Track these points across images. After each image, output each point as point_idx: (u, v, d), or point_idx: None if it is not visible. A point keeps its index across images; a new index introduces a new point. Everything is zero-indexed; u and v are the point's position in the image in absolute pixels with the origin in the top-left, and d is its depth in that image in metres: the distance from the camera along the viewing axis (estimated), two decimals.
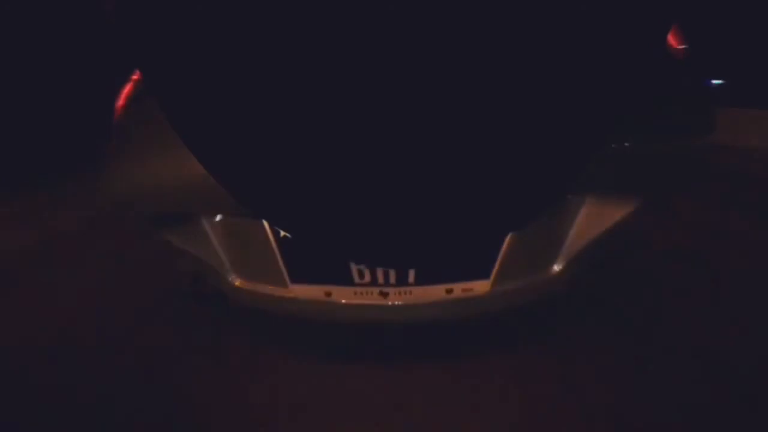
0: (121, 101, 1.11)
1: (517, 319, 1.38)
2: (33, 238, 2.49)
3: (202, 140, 0.61)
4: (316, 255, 1.05)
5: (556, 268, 1.09)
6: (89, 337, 1.47)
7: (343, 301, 1.07)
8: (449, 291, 1.06)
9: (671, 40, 1.07)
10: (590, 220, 1.07)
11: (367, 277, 1.05)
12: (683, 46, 1.06)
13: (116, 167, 1.08)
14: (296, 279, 1.08)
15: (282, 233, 1.03)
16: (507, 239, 1.02)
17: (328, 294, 1.07)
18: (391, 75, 0.49)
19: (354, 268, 1.04)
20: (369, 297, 1.06)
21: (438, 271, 1.06)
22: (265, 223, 1.03)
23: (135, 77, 1.14)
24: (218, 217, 1.09)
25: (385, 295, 1.05)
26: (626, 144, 0.95)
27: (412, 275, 1.04)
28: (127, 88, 1.13)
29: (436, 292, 1.06)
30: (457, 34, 0.47)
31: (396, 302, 1.05)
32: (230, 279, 1.13)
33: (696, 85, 1.07)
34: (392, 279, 1.04)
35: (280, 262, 1.06)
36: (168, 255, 1.23)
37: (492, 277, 1.05)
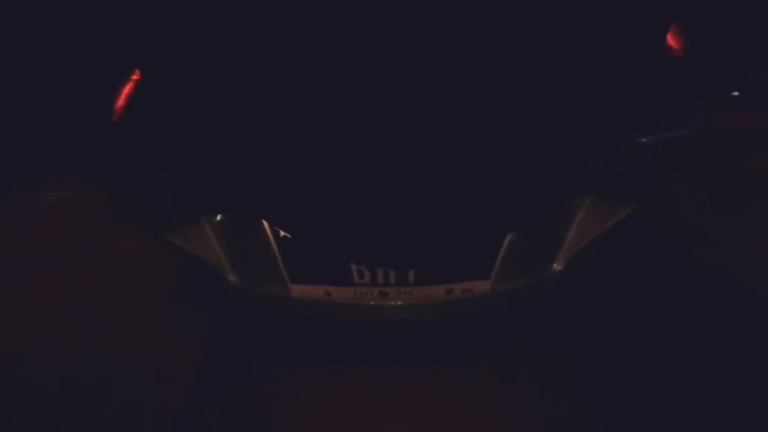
0: (121, 101, 1.11)
1: (517, 319, 1.38)
2: (33, 239, 2.48)
3: (202, 140, 0.61)
4: (316, 255, 1.05)
5: (556, 268, 1.09)
6: (89, 338, 1.47)
7: (343, 301, 1.07)
8: (449, 291, 1.06)
9: (670, 39, 1.07)
10: (590, 220, 1.07)
11: (367, 278, 1.05)
12: (682, 45, 1.06)
13: (116, 168, 1.08)
14: (296, 279, 1.08)
15: (282, 233, 1.03)
16: (507, 239, 1.02)
17: (328, 294, 1.07)
18: (392, 77, 0.49)
19: (354, 268, 1.04)
20: (369, 297, 1.06)
21: (438, 272, 1.06)
22: (265, 223, 1.03)
23: (135, 77, 1.14)
24: (218, 217, 1.09)
25: (385, 295, 1.05)
26: (626, 143, 0.95)
27: (412, 275, 1.04)
28: (127, 88, 1.13)
29: (436, 292, 1.06)
30: (457, 37, 0.47)
31: (396, 302, 1.05)
32: (230, 279, 1.13)
33: (694, 83, 1.07)
34: (392, 279, 1.04)
35: (280, 262, 1.06)
36: (168, 255, 1.23)
37: (492, 277, 1.05)
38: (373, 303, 1.06)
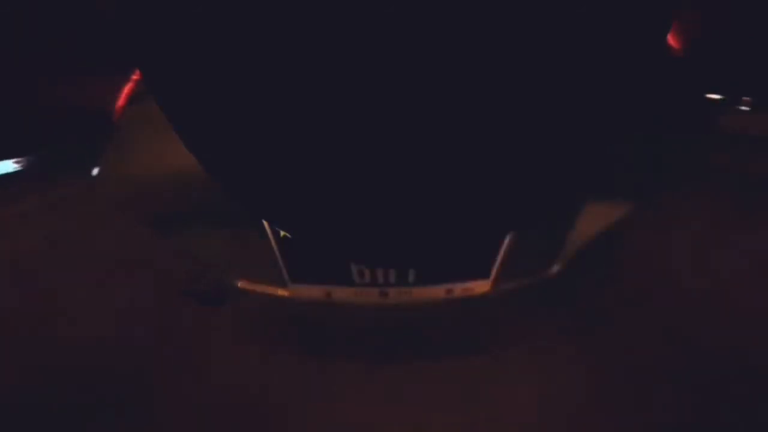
0: (121, 101, 1.11)
1: (517, 319, 1.38)
2: (33, 238, 2.49)
3: (202, 140, 0.61)
4: (316, 255, 1.05)
5: (556, 268, 1.09)
6: (88, 338, 1.47)
7: (343, 301, 1.07)
8: (449, 291, 1.06)
9: (671, 39, 1.07)
10: (590, 220, 1.07)
11: (367, 277, 1.05)
12: (682, 45, 1.06)
13: (116, 167, 1.08)
14: (296, 279, 1.08)
15: (282, 233, 1.03)
16: (507, 239, 1.02)
17: (328, 294, 1.07)
18: (391, 75, 0.49)
19: (354, 268, 1.04)
20: (369, 297, 1.06)
21: (438, 271, 1.06)
22: (265, 223, 1.03)
23: (135, 77, 1.14)
24: (218, 217, 1.09)
25: (385, 295, 1.05)
26: (626, 144, 0.95)
27: (412, 275, 1.04)
28: (127, 88, 1.13)
29: (436, 292, 1.06)
30: (458, 35, 0.47)
31: (396, 302, 1.05)
32: (230, 279, 1.13)
33: (695, 83, 1.07)
34: (392, 279, 1.04)
35: (280, 262, 1.06)
36: (168, 255, 1.23)
37: (492, 277, 1.05)
38: (373, 303, 1.06)
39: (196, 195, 1.01)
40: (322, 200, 0.66)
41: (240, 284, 1.13)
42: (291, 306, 1.10)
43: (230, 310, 1.49)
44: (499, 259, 1.03)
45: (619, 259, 1.61)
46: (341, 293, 1.06)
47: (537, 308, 1.39)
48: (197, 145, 0.62)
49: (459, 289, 1.06)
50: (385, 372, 1.23)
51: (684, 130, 1.01)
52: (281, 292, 1.09)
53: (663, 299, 1.51)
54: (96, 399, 1.18)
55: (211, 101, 0.56)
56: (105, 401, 1.17)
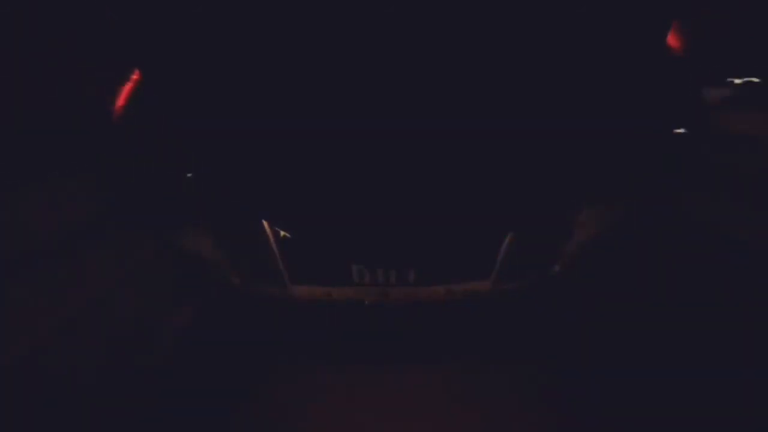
0: (121, 101, 1.11)
1: (517, 319, 1.38)
2: (32, 238, 2.48)
3: (202, 141, 0.61)
4: (316, 255, 1.05)
5: (556, 268, 1.09)
6: (89, 338, 1.47)
7: (344, 301, 1.07)
8: (449, 291, 1.06)
9: (671, 39, 1.07)
10: (590, 220, 1.07)
11: (368, 278, 1.05)
12: (682, 45, 1.06)
13: (116, 167, 1.08)
14: (296, 279, 1.08)
15: (282, 233, 1.04)
16: (507, 239, 1.02)
17: (329, 294, 1.07)
18: (393, 76, 0.49)
19: (354, 268, 1.04)
20: (369, 297, 1.06)
21: (438, 272, 1.06)
22: (265, 223, 1.04)
23: (135, 77, 1.14)
24: (219, 218, 1.10)
25: (385, 295, 1.05)
26: (625, 144, 0.95)
27: (412, 276, 1.05)
28: (127, 88, 1.13)
29: (436, 292, 1.06)
30: (457, 38, 0.47)
31: (396, 302, 1.05)
32: (230, 279, 1.13)
33: (693, 81, 1.07)
34: (393, 279, 1.04)
35: (280, 263, 1.06)
36: (168, 255, 1.23)
37: (492, 277, 1.05)
38: (373, 303, 1.06)
39: (197, 195, 1.02)
40: (323, 201, 0.66)
41: (240, 284, 1.13)
42: (291, 306, 1.10)
43: (230, 310, 1.49)
44: (498, 259, 1.03)
45: (619, 259, 1.61)
46: (341, 293, 1.06)
47: (537, 308, 1.39)
48: (198, 144, 0.62)
49: (459, 289, 1.06)
50: (385, 372, 1.23)
51: (683, 129, 1.01)
52: (281, 292, 1.09)
53: (663, 299, 1.51)
54: (96, 399, 1.18)
55: (212, 101, 0.56)
56: (104, 401, 1.17)
